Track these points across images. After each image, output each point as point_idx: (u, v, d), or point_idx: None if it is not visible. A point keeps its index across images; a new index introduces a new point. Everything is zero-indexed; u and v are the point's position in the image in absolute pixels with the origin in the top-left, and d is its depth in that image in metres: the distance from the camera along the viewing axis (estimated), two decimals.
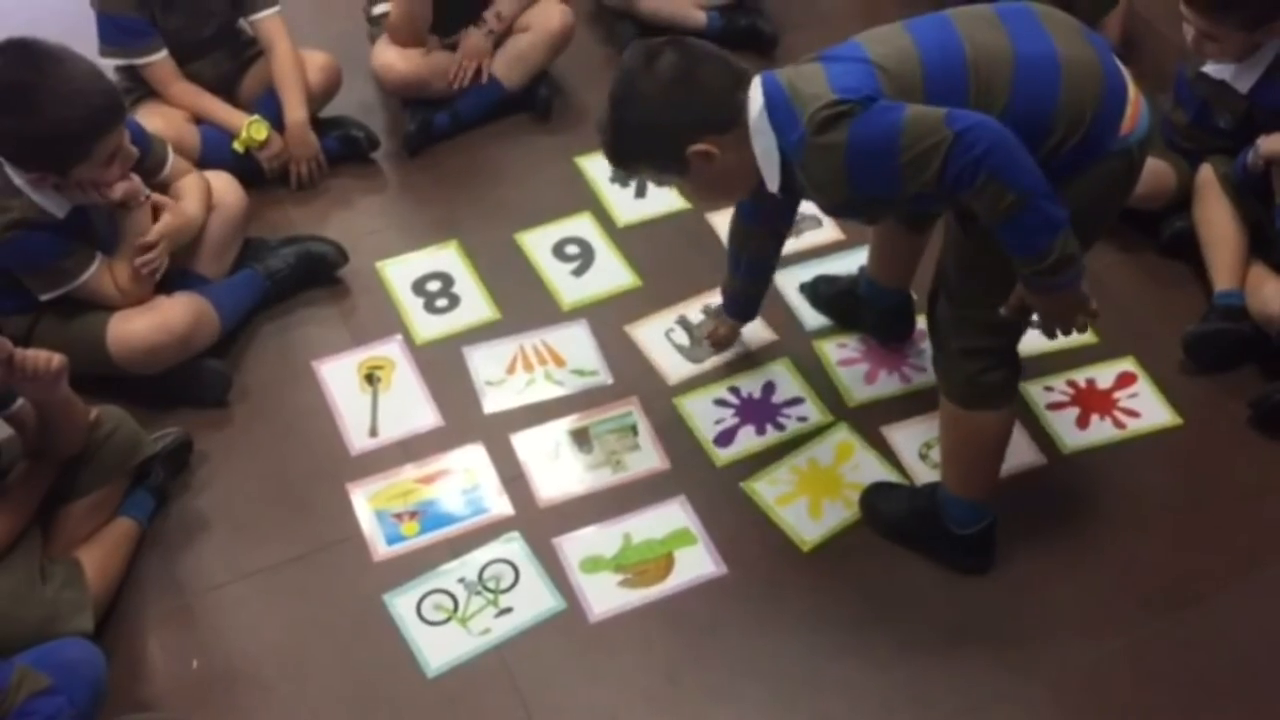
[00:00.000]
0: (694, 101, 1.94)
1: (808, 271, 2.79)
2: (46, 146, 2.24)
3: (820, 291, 2.73)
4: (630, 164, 2.07)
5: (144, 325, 2.42)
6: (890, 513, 2.32)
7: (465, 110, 3.12)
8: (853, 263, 2.80)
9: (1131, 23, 3.27)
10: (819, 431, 2.48)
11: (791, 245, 2.84)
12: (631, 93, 1.96)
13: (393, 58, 3.02)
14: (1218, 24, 2.53)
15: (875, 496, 2.35)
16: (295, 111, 2.89)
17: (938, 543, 2.25)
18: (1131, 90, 1.95)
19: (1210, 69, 2.66)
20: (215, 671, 2.17)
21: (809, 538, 2.31)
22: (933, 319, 2.15)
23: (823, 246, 2.87)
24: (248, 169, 2.86)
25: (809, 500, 2.37)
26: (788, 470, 2.41)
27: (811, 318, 2.72)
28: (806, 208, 2.93)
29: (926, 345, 2.65)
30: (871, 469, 2.42)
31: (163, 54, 2.80)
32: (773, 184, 1.98)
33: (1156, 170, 2.79)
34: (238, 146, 2.86)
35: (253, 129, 2.85)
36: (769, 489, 2.39)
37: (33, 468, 2.17)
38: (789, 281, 2.77)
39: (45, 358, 2.03)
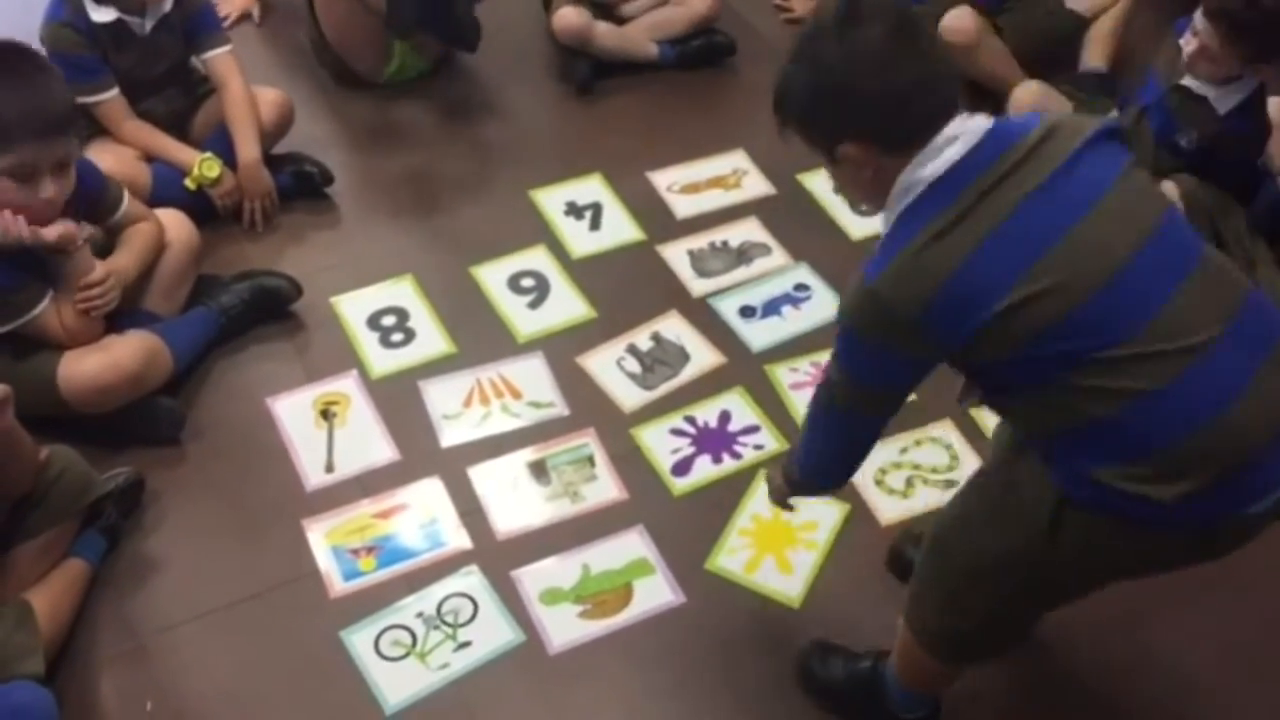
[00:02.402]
0: (876, 100, 1.53)
1: (751, 296, 2.83)
2: None
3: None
4: (783, 120, 1.66)
5: (95, 364, 2.40)
6: (827, 679, 2.10)
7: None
8: (791, 280, 2.84)
9: (1121, 46, 3.29)
10: (748, 487, 2.46)
11: (741, 273, 2.89)
12: (817, 46, 1.57)
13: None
14: (1228, 45, 2.57)
15: (812, 659, 2.13)
16: (248, 150, 2.88)
17: (874, 718, 2.05)
18: None
19: (1191, 82, 2.70)
20: (170, 713, 2.13)
21: (794, 594, 2.29)
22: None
23: (770, 271, 2.90)
24: (200, 206, 2.85)
25: (774, 558, 2.35)
26: (738, 535, 2.39)
27: (757, 339, 2.74)
28: (753, 234, 2.98)
29: None
30: (810, 507, 2.36)
31: (114, 92, 2.79)
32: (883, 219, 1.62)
33: None
34: (190, 184, 2.85)
35: (205, 167, 2.84)
36: (731, 561, 2.35)
37: None
38: (730, 307, 2.81)
39: None
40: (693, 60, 3.42)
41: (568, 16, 3.32)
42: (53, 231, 2.32)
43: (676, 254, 2.95)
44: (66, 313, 2.40)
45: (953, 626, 1.79)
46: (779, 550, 2.36)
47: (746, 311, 2.81)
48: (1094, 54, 3.26)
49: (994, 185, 1.51)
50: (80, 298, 2.39)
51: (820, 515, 2.39)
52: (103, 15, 2.72)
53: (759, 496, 2.44)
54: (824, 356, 2.66)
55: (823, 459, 1.81)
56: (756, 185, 3.12)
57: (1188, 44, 2.65)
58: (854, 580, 2.31)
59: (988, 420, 2.58)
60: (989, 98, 3.20)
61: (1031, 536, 1.61)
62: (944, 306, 1.51)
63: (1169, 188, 2.73)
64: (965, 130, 1.55)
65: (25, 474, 2.15)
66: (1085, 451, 1.54)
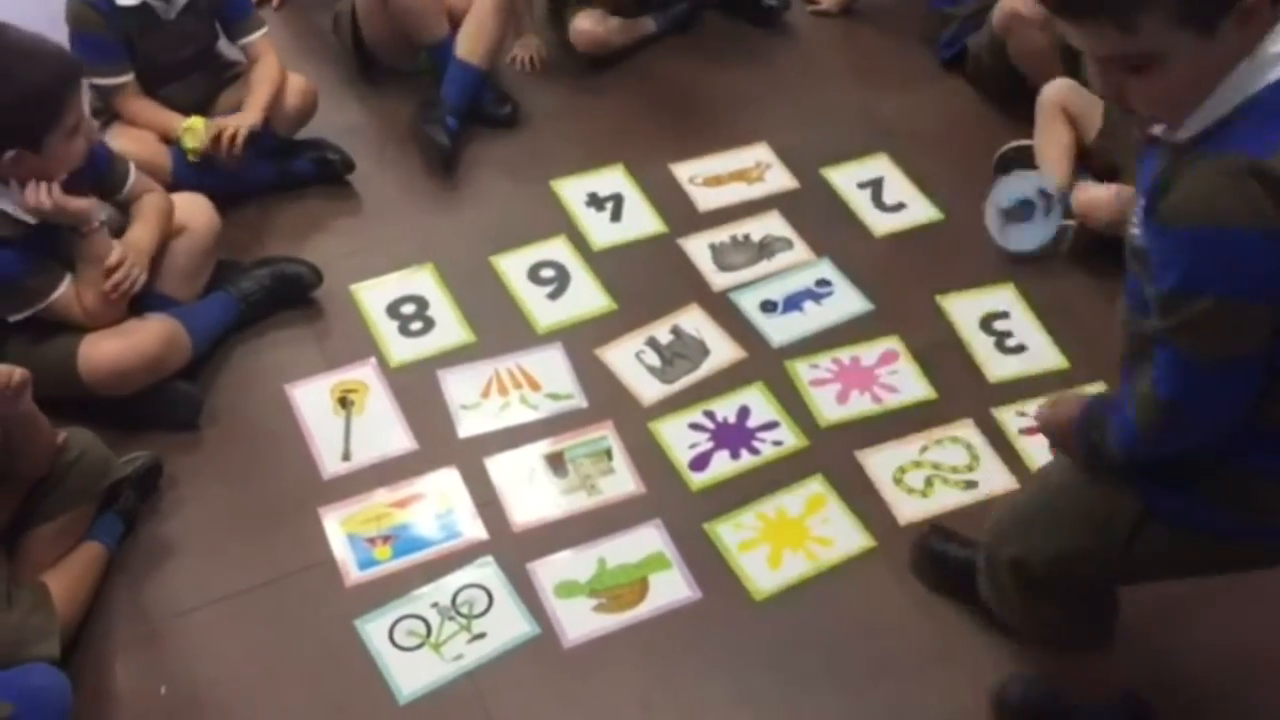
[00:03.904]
0: None
1: (772, 290, 2.81)
2: (22, 112, 2.21)
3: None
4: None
5: (115, 347, 2.40)
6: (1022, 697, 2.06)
7: (463, 106, 3.11)
8: (812, 275, 2.82)
9: None
10: (792, 481, 2.45)
11: (763, 268, 2.87)
12: None
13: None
14: None
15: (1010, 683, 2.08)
16: (250, 114, 2.84)
17: None
18: None
19: None
20: (183, 698, 2.14)
21: (763, 587, 2.28)
22: None
23: (792, 265, 2.88)
24: (220, 191, 2.83)
25: (770, 549, 2.34)
26: (754, 516, 2.39)
27: (777, 333, 2.73)
28: (775, 228, 2.96)
29: (899, 365, 2.67)
30: (842, 525, 2.38)
31: (128, 77, 2.78)
32: (1188, 126, 1.43)
33: (1129, 197, 2.82)
34: (191, 155, 2.80)
35: (187, 136, 2.78)
36: (732, 534, 2.36)
37: None
38: (750, 301, 2.79)
39: (5, 372, 2.00)
40: (685, 21, 3.46)
41: (586, 31, 3.30)
42: (78, 202, 2.32)
43: (698, 247, 2.93)
44: (87, 295, 2.40)
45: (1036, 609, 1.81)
46: (780, 545, 2.35)
47: (767, 306, 2.79)
48: None
49: None
50: (109, 286, 2.37)
51: (840, 535, 2.37)
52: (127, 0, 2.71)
53: (797, 495, 2.43)
54: (845, 353, 2.69)
55: (1169, 431, 1.55)
56: (779, 179, 3.10)
57: None
58: (828, 606, 2.27)
59: (1009, 422, 2.57)
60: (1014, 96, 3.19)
61: (1108, 543, 1.66)
62: None
63: None
64: None
65: (42, 457, 2.15)
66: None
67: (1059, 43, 2.96)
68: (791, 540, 2.36)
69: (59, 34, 2.72)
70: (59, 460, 2.17)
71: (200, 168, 2.82)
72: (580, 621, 2.24)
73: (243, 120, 2.82)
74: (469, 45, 3.11)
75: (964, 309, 2.80)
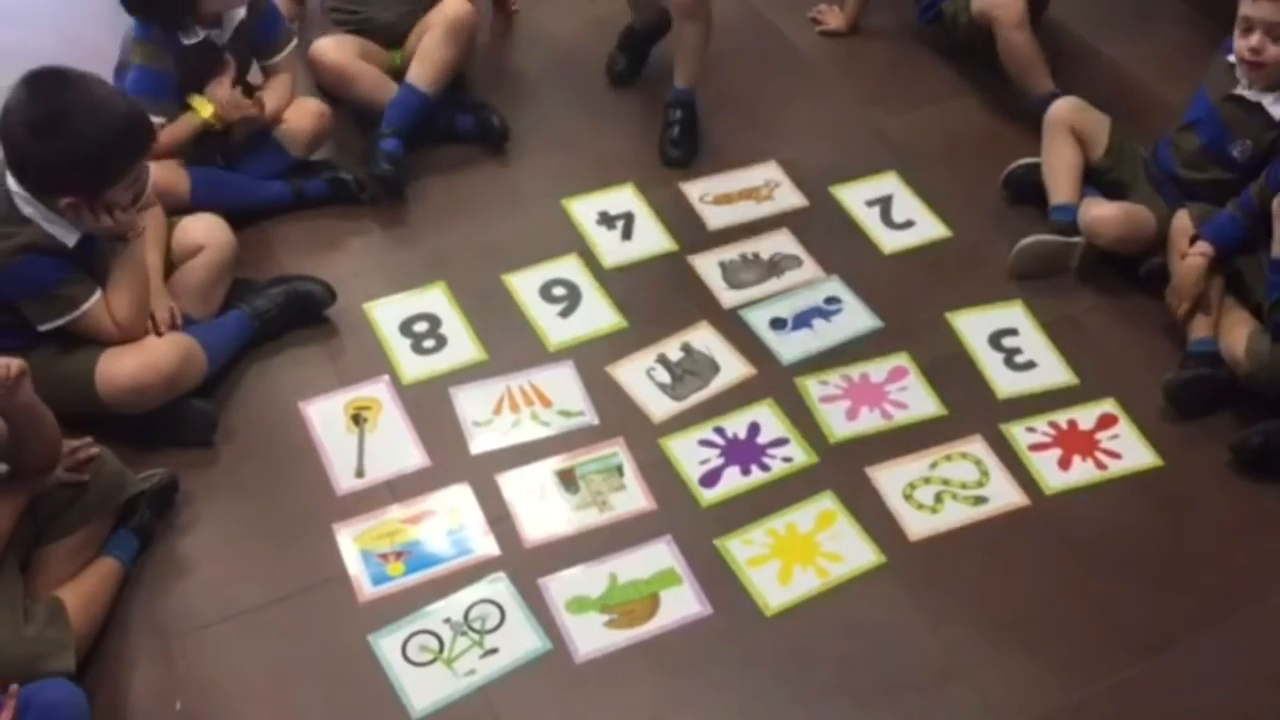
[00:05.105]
0: None
1: (782, 308, 2.83)
2: (95, 165, 2.27)
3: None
4: None
5: (131, 364, 2.42)
6: None
7: (405, 128, 3.08)
8: (822, 293, 2.85)
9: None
10: (802, 498, 2.46)
11: (772, 285, 2.89)
12: None
13: (327, 44, 3.14)
14: None
15: None
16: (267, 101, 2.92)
17: None
18: None
19: (1245, 91, 2.69)
20: (198, 713, 2.15)
21: (774, 603, 2.30)
22: None
23: (801, 283, 2.90)
24: (237, 211, 2.86)
25: (781, 565, 2.36)
26: (764, 533, 2.40)
27: (787, 350, 2.74)
28: (785, 246, 2.98)
29: (908, 381, 2.69)
30: (852, 541, 2.39)
31: (165, 121, 2.81)
32: None
33: (1136, 215, 2.83)
34: (213, 122, 2.83)
35: (199, 105, 2.82)
36: (742, 549, 2.37)
37: (5, 484, 2.14)
38: (760, 319, 2.81)
39: (2, 364, 2.00)
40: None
41: None
42: (130, 214, 2.37)
43: (708, 265, 2.95)
44: (118, 307, 2.42)
45: None
46: (791, 561, 2.36)
47: (777, 323, 2.81)
48: None
49: None
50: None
51: (850, 551, 2.38)
52: (193, 38, 2.77)
53: (808, 511, 2.44)
54: (854, 370, 2.71)
55: None
56: (788, 197, 3.12)
57: (1241, 49, 2.63)
58: (838, 622, 2.28)
59: (1019, 438, 2.58)
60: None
61: None
62: None
63: (1181, 217, 2.72)
64: None
65: (47, 449, 2.15)
66: None
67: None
68: (802, 556, 2.37)
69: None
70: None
71: (214, 185, 2.87)
72: (592, 637, 2.25)
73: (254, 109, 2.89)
74: (418, 71, 3.09)
75: (973, 326, 2.82)
